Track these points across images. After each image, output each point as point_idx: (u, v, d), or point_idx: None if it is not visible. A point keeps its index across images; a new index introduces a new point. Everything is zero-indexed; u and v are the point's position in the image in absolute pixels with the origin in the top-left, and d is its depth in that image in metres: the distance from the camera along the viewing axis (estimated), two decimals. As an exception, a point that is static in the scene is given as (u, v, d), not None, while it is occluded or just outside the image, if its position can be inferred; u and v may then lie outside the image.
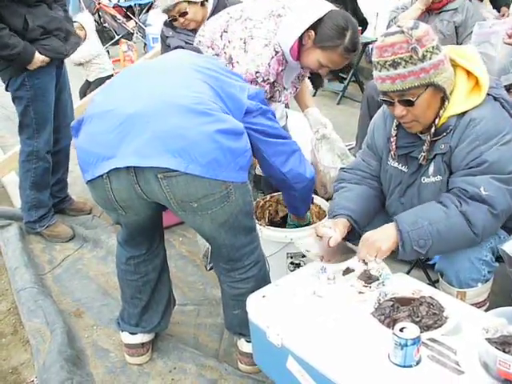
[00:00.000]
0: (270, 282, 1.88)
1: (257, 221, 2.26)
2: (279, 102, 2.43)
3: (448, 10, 3.28)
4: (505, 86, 1.86)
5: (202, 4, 2.80)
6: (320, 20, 2.08)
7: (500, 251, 1.73)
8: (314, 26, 2.09)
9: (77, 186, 3.39)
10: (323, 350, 1.40)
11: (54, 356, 2.04)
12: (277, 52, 2.15)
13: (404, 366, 1.30)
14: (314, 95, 4.97)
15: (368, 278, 1.66)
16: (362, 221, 1.88)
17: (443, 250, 1.71)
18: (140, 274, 2.00)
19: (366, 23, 5.34)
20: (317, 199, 2.50)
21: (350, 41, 2.08)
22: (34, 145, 2.84)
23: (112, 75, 4.95)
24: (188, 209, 1.67)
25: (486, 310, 1.69)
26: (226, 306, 2.02)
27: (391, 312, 1.48)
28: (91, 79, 5.06)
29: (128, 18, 8.60)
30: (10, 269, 2.70)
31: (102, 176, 1.63)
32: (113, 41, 7.98)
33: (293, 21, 2.13)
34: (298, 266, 2.25)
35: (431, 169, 1.76)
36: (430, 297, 1.51)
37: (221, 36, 2.25)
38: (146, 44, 7.43)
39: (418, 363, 1.31)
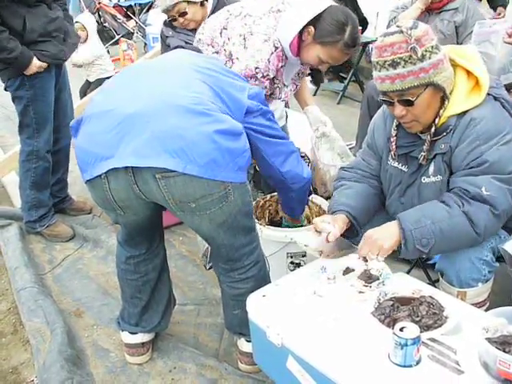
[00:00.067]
0: (269, 282, 1.88)
1: (257, 220, 2.27)
2: (279, 99, 2.42)
3: (448, 10, 3.28)
4: (505, 86, 1.86)
5: (202, 4, 2.80)
6: (319, 15, 2.07)
7: (501, 251, 1.73)
8: (314, 22, 2.08)
9: (77, 186, 3.39)
10: (323, 349, 1.40)
11: (54, 356, 2.04)
12: (276, 48, 2.15)
13: (404, 366, 1.30)
14: (314, 95, 4.98)
15: (368, 278, 1.66)
16: (361, 218, 1.89)
17: (445, 249, 1.71)
18: (140, 273, 2.00)
19: (367, 23, 5.34)
20: (317, 199, 2.50)
21: (349, 36, 2.08)
22: (34, 144, 2.83)
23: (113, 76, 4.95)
24: (186, 209, 1.67)
25: (486, 310, 1.69)
26: (225, 306, 2.03)
27: (391, 312, 1.48)
28: (92, 79, 5.07)
29: (128, 17, 8.60)
30: (10, 268, 2.70)
31: (100, 176, 1.63)
32: (113, 40, 7.98)
33: (292, 16, 2.13)
34: (298, 265, 2.25)
35: (431, 168, 1.76)
36: (430, 296, 1.51)
37: (220, 33, 2.25)
38: (146, 44, 7.43)
39: (418, 363, 1.31)
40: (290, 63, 2.27)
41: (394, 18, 3.43)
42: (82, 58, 4.93)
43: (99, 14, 8.44)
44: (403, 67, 1.59)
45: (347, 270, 1.72)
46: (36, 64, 2.62)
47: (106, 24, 8.49)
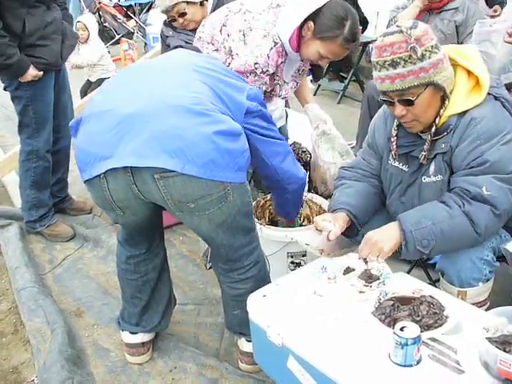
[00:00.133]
0: (269, 282, 1.87)
1: (257, 220, 2.27)
2: (279, 96, 2.42)
3: (449, 10, 3.28)
4: (505, 85, 1.86)
5: (202, 4, 2.79)
6: (319, 10, 2.07)
7: (503, 251, 1.74)
8: (313, 17, 2.08)
9: (77, 186, 3.39)
10: (324, 349, 1.40)
11: (54, 355, 2.04)
12: (276, 43, 2.15)
13: (404, 366, 1.30)
14: (314, 94, 4.98)
15: (368, 278, 1.66)
16: (362, 217, 1.89)
17: (446, 249, 1.71)
18: (140, 273, 2.00)
19: (367, 22, 5.33)
20: (317, 198, 2.50)
21: (349, 31, 2.07)
22: (34, 144, 2.83)
23: (114, 76, 4.95)
24: (185, 209, 1.67)
25: (487, 310, 1.69)
26: (226, 306, 2.02)
27: (392, 311, 1.48)
28: (93, 80, 5.07)
29: (128, 17, 8.60)
30: (10, 268, 2.70)
31: (99, 176, 1.63)
32: (113, 40, 7.98)
33: (291, 11, 2.13)
34: (299, 265, 2.25)
35: (432, 168, 1.76)
36: (431, 296, 1.51)
37: (220, 30, 2.25)
38: (146, 43, 7.43)
39: (418, 362, 1.31)
40: (290, 59, 2.27)
41: (394, 17, 3.43)
42: (85, 59, 4.93)
43: (99, 14, 8.44)
44: (403, 67, 1.59)
45: (348, 270, 1.72)
46: (32, 73, 2.62)
47: (106, 24, 8.48)
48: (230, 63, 2.18)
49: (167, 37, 2.97)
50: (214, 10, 2.76)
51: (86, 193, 1.80)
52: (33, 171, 2.88)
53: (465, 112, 1.68)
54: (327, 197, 2.55)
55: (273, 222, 2.45)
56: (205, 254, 2.63)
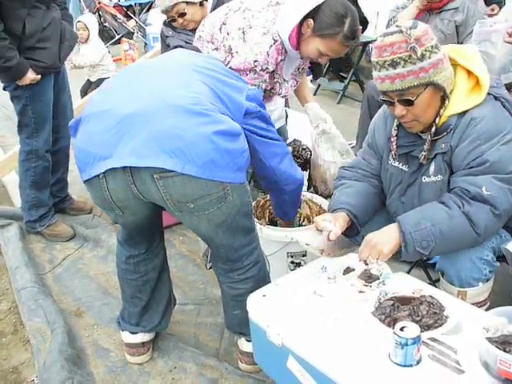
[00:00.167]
0: (269, 282, 1.87)
1: (257, 220, 2.27)
2: (279, 94, 2.42)
3: (449, 10, 3.28)
4: (505, 85, 1.86)
5: (201, 4, 2.79)
6: (318, 8, 2.07)
7: (503, 251, 1.74)
8: (313, 14, 2.08)
9: (77, 186, 3.38)
10: (324, 349, 1.40)
11: (54, 355, 2.04)
12: (275, 41, 2.15)
13: (404, 366, 1.30)
14: (314, 94, 4.98)
15: (368, 278, 1.66)
16: (362, 216, 1.89)
17: (446, 250, 1.71)
18: (140, 273, 2.00)
19: (367, 22, 5.34)
20: (317, 198, 2.50)
21: (349, 28, 2.07)
22: (34, 144, 2.84)
23: (114, 76, 4.94)
24: (184, 209, 1.67)
25: (487, 310, 1.69)
26: (225, 306, 2.02)
27: (392, 311, 1.48)
28: (93, 79, 5.07)
29: (128, 17, 8.61)
30: (10, 268, 2.70)
31: (98, 176, 1.63)
32: (113, 40, 7.99)
33: (291, 9, 2.13)
34: (299, 265, 2.25)
35: (432, 168, 1.76)
36: (431, 296, 1.51)
37: (220, 29, 2.25)
38: (146, 43, 7.43)
39: (418, 362, 1.31)
40: (289, 57, 2.27)
41: (393, 17, 3.44)
42: (88, 60, 4.93)
43: (99, 14, 8.44)
44: (403, 67, 1.59)
45: (347, 270, 1.72)
46: (30, 77, 2.63)
47: (106, 24, 8.49)
48: (229, 61, 2.18)
49: (167, 37, 2.97)
50: (213, 9, 2.76)
51: (86, 193, 1.80)
52: (32, 171, 2.88)
53: (465, 112, 1.68)
54: (327, 196, 2.54)
55: (273, 222, 2.45)
56: (205, 253, 2.63)
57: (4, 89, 2.80)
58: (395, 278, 1.65)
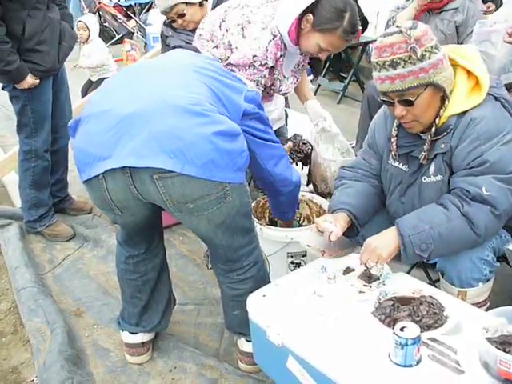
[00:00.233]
0: (269, 283, 1.87)
1: (257, 220, 2.27)
2: (280, 91, 2.42)
3: (449, 10, 3.29)
4: (505, 85, 1.86)
5: (201, 4, 2.79)
6: (317, 2, 2.07)
7: (506, 251, 1.74)
8: (312, 9, 2.08)
9: (77, 186, 3.38)
10: (323, 349, 1.40)
11: (54, 355, 2.04)
12: (274, 36, 2.15)
13: (404, 366, 1.30)
14: (314, 94, 4.97)
15: (368, 278, 1.67)
16: (362, 217, 1.89)
17: (445, 252, 1.70)
18: (139, 273, 2.00)
19: (367, 22, 5.34)
20: (317, 199, 2.50)
21: (348, 23, 2.07)
22: (33, 144, 2.84)
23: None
24: (184, 210, 1.67)
25: (487, 310, 1.69)
26: (225, 306, 2.02)
27: (391, 311, 1.48)
28: (95, 79, 5.07)
29: (128, 17, 8.62)
30: (10, 268, 2.70)
31: (97, 176, 1.63)
32: (113, 40, 8.00)
33: (290, 4, 2.13)
34: (299, 265, 2.25)
35: (432, 168, 1.76)
36: (431, 296, 1.51)
37: (220, 26, 2.25)
38: (146, 43, 7.44)
39: (418, 363, 1.31)
40: (289, 53, 2.27)
41: (393, 17, 3.44)
42: (95, 61, 4.94)
43: (99, 14, 8.45)
44: (403, 67, 1.59)
45: (347, 270, 1.72)
46: (29, 82, 2.63)
47: (106, 24, 8.50)
48: (228, 57, 2.18)
49: (167, 37, 2.96)
50: (213, 9, 2.76)
51: (86, 193, 1.80)
52: (32, 171, 2.88)
53: (465, 112, 1.68)
54: (327, 195, 2.54)
55: (273, 222, 2.45)
56: (206, 254, 2.63)
57: (3, 88, 2.80)
58: (395, 278, 1.66)
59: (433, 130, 1.71)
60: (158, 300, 2.07)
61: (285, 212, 2.25)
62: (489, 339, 1.28)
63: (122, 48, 7.02)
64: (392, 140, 1.84)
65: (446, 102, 1.69)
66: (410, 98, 1.64)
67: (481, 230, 1.63)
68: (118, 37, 8.09)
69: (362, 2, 5.00)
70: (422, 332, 1.32)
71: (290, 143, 2.67)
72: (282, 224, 2.36)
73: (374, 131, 1.98)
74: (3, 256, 2.85)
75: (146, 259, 2.00)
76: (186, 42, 2.72)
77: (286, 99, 3.11)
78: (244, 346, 2.02)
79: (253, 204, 2.35)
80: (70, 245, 2.99)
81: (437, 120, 1.70)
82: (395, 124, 1.83)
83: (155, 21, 6.40)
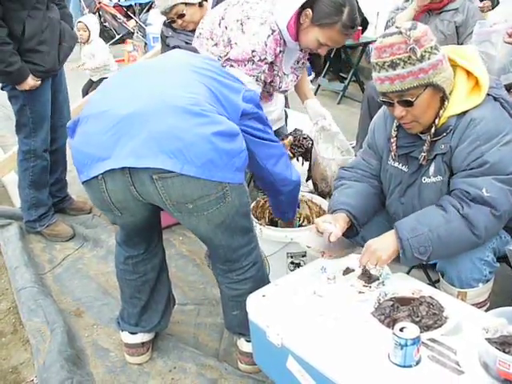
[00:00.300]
0: (268, 283, 1.87)
1: (257, 220, 2.27)
2: (280, 88, 2.42)
3: (449, 10, 3.29)
4: (505, 86, 1.86)
5: (200, 5, 2.79)
6: None
7: (507, 252, 1.73)
8: (311, 4, 2.08)
9: (76, 186, 3.38)
10: (323, 349, 1.40)
11: (54, 355, 2.04)
12: (273, 31, 2.15)
13: (404, 366, 1.30)
14: (314, 94, 4.97)
15: (368, 278, 1.67)
16: (361, 217, 1.89)
17: (445, 254, 1.70)
18: (139, 273, 2.00)
19: (367, 23, 5.35)
20: (317, 199, 2.50)
21: (348, 17, 2.07)
22: (32, 143, 2.84)
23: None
24: (184, 210, 1.67)
25: (487, 310, 1.69)
26: (225, 307, 2.02)
27: (391, 312, 1.48)
28: (95, 79, 5.07)
29: (128, 17, 8.62)
30: (10, 268, 2.70)
31: (97, 177, 1.63)
32: (113, 40, 8.00)
33: None
34: (299, 265, 2.25)
35: (432, 169, 1.76)
36: (430, 297, 1.51)
37: (219, 24, 2.26)
38: (146, 43, 7.44)
39: (417, 363, 1.31)
40: (288, 49, 2.27)
41: (392, 18, 3.45)
42: (98, 61, 4.95)
43: (99, 14, 8.46)
44: (402, 68, 1.59)
45: (347, 270, 1.73)
46: (30, 83, 2.63)
47: (106, 24, 8.50)
48: (228, 52, 2.19)
49: (167, 37, 2.97)
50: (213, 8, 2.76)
51: (86, 193, 1.80)
52: (31, 170, 2.89)
53: (464, 113, 1.68)
54: (328, 194, 2.54)
55: (273, 223, 2.45)
56: (207, 254, 2.63)
57: (2, 88, 2.80)
58: (395, 279, 1.66)
59: (432, 130, 1.71)
60: (157, 300, 2.07)
61: (285, 212, 2.25)
62: (488, 340, 1.28)
63: (124, 48, 7.03)
64: (392, 140, 1.84)
65: (446, 103, 1.69)
66: (410, 99, 1.64)
67: (480, 232, 1.63)
68: (117, 37, 8.10)
69: (362, 3, 5.01)
70: (421, 332, 1.32)
71: (290, 138, 2.66)
72: (283, 224, 2.36)
73: (373, 131, 1.98)
74: (3, 256, 2.85)
75: (145, 259, 2.00)
76: (185, 43, 2.73)
77: (286, 99, 3.11)
78: (244, 346, 2.02)
79: (253, 204, 2.35)
80: (69, 245, 2.99)
81: (436, 120, 1.70)
82: (395, 124, 1.83)
83: (155, 21, 6.41)
